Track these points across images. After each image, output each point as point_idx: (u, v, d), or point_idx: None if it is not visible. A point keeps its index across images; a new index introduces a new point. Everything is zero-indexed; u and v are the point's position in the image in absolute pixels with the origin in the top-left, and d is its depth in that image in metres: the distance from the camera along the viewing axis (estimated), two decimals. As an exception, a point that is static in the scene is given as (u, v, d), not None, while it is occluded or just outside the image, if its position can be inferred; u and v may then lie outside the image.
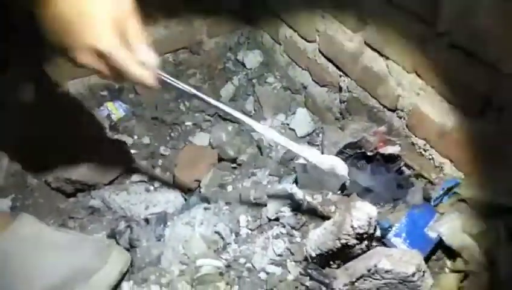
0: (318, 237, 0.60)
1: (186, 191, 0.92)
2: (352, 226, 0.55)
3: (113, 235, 0.73)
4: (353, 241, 0.56)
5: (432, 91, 0.69)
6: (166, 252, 0.64)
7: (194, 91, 0.59)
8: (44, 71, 0.93)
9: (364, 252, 0.58)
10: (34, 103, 0.85)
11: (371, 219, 0.55)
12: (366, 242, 0.58)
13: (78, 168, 0.90)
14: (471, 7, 0.57)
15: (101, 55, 0.47)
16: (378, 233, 0.61)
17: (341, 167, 0.66)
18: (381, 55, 0.78)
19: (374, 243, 0.61)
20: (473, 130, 0.64)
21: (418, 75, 0.71)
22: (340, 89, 0.93)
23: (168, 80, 0.57)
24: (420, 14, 0.66)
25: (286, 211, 0.68)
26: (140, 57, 0.49)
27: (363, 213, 0.55)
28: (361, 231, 0.54)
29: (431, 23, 0.64)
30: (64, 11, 0.45)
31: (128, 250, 0.66)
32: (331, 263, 0.59)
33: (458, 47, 0.61)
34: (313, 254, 0.60)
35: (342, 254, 0.58)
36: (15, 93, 0.84)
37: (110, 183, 0.93)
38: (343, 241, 0.56)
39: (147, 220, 0.71)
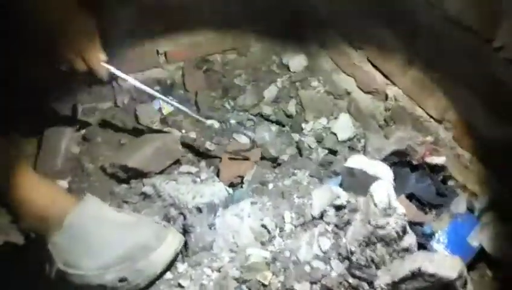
0: (353, 230, 0.64)
1: (229, 185, 0.98)
2: (375, 204, 0.58)
3: (167, 220, 0.78)
4: (382, 221, 0.59)
5: (480, 104, 0.71)
6: (217, 239, 0.69)
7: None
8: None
9: (398, 235, 0.60)
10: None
11: (388, 190, 0.58)
12: (395, 220, 0.60)
13: (132, 156, 0.97)
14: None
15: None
16: (402, 211, 0.62)
17: (387, 173, 0.69)
18: (431, 67, 0.80)
19: (414, 241, 0.64)
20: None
21: (468, 88, 0.73)
22: (386, 97, 0.95)
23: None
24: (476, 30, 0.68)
25: (330, 211, 0.71)
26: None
27: (380, 190, 0.59)
28: (383, 205, 0.58)
29: (488, 39, 0.66)
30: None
31: (182, 234, 0.72)
32: (374, 256, 0.62)
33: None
34: (353, 248, 0.63)
35: (379, 241, 0.61)
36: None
37: (161, 172, 1.00)
38: (373, 222, 0.59)
39: (199, 209, 0.76)
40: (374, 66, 0.97)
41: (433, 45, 0.78)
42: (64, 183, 1.01)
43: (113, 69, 0.87)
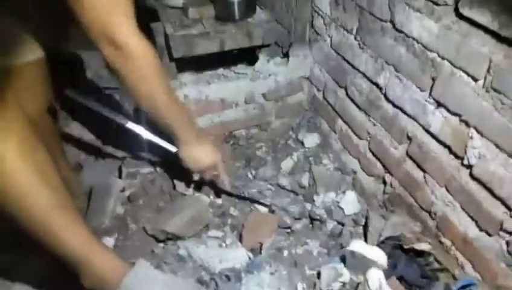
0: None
1: (250, 250, 1.15)
2: (369, 287, 0.75)
3: (200, 283, 0.96)
4: None
5: (458, 206, 0.89)
6: (243, 305, 0.86)
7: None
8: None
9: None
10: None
11: (380, 277, 0.75)
12: None
13: (170, 222, 1.16)
14: None
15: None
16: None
17: (381, 257, 0.86)
18: (420, 167, 0.99)
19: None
20: (488, 244, 0.83)
21: (448, 191, 0.91)
22: (385, 183, 1.14)
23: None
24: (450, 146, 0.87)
25: (335, 286, 0.88)
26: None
27: (374, 277, 0.76)
28: (376, 289, 0.75)
29: (458, 156, 0.85)
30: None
31: (215, 299, 0.89)
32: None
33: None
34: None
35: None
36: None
37: (192, 235, 1.18)
38: None
39: (228, 277, 0.94)
40: (374, 155, 1.17)
41: (422, 148, 0.97)
42: (111, 241, 1.20)
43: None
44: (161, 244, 1.17)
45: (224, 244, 1.16)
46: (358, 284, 0.86)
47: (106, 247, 0.91)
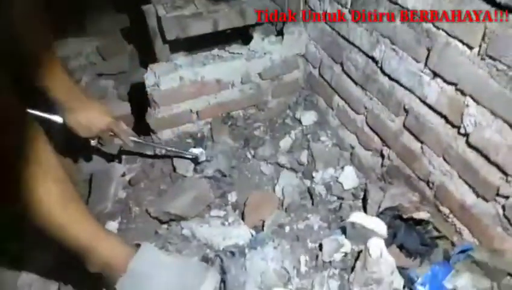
0: (355, 274, 0.83)
1: (253, 227, 1.17)
2: (370, 255, 0.78)
3: (205, 261, 0.98)
4: (375, 268, 0.78)
5: (455, 175, 0.91)
6: (248, 279, 0.88)
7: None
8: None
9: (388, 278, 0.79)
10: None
11: (380, 245, 0.78)
12: (385, 267, 0.79)
13: (173, 203, 1.18)
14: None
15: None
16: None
17: (381, 227, 0.88)
18: (417, 139, 1.00)
19: (402, 284, 0.83)
20: (485, 210, 0.85)
21: (445, 160, 0.93)
22: (383, 156, 1.15)
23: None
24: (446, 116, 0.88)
25: (337, 257, 0.91)
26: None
27: (374, 245, 0.78)
28: (376, 256, 0.77)
29: (455, 125, 0.86)
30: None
31: (220, 274, 0.92)
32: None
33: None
34: (355, 289, 0.82)
35: (374, 283, 0.81)
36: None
37: (195, 216, 1.20)
38: (369, 269, 0.78)
39: (232, 253, 0.96)
40: (372, 129, 1.18)
41: (419, 118, 0.98)
42: (114, 225, 1.21)
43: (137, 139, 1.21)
44: (165, 226, 1.19)
45: (226, 223, 1.18)
46: (359, 253, 0.88)
47: (110, 232, 0.93)
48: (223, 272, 0.92)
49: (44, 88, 0.99)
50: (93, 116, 1.10)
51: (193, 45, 1.58)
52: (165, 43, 1.50)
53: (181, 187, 1.24)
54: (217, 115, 1.44)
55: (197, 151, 1.31)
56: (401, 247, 0.90)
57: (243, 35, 1.64)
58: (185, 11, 1.46)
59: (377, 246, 0.80)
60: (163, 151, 1.36)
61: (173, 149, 1.32)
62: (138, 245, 0.91)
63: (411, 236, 0.91)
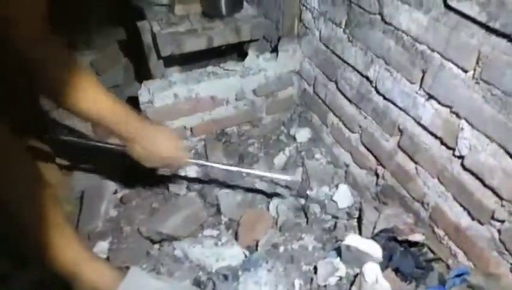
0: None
1: (247, 247, 1.15)
2: (365, 280, 0.76)
3: (197, 284, 0.96)
4: None
5: (450, 197, 0.90)
6: (242, 304, 0.86)
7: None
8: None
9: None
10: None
11: (376, 270, 0.76)
12: None
13: (165, 223, 1.15)
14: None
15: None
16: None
17: (376, 251, 0.87)
18: (412, 159, 1.00)
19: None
20: (480, 233, 0.84)
21: (440, 182, 0.92)
22: (377, 176, 1.15)
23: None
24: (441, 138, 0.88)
25: (332, 280, 0.89)
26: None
27: (370, 270, 0.77)
28: (372, 281, 0.76)
29: (450, 147, 0.86)
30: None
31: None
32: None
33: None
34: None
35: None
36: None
37: (188, 235, 1.18)
38: None
39: (225, 276, 0.94)
40: (366, 148, 1.17)
41: (412, 139, 0.98)
42: (105, 245, 1.18)
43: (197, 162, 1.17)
44: (156, 246, 1.17)
45: (220, 243, 1.16)
46: (354, 277, 0.87)
47: (96, 258, 0.91)
48: (216, 296, 0.90)
49: (90, 118, 0.87)
50: (159, 145, 0.96)
51: (188, 60, 1.58)
52: (159, 59, 1.49)
53: (174, 206, 1.22)
54: (211, 131, 1.43)
55: (294, 177, 1.17)
56: (396, 270, 0.89)
57: (238, 50, 1.64)
58: (179, 28, 1.46)
59: (372, 271, 0.79)
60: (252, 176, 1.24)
61: (267, 175, 1.17)
62: (127, 268, 0.89)
63: (406, 259, 0.90)
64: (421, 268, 0.89)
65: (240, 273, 0.98)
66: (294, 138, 1.48)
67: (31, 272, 1.02)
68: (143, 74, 1.61)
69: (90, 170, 1.39)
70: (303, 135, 1.46)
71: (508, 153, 0.74)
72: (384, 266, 0.89)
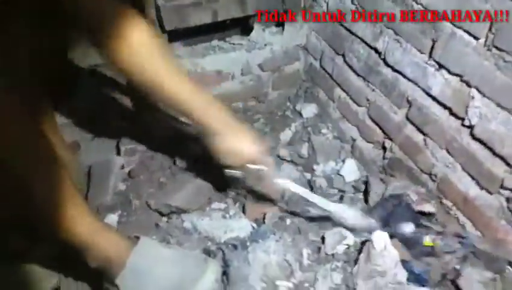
0: (359, 267, 0.83)
1: (254, 220, 1.17)
2: (374, 248, 0.78)
3: (207, 253, 0.98)
4: (379, 261, 0.78)
5: (459, 167, 0.90)
6: (251, 272, 0.87)
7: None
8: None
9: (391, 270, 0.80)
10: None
11: (385, 239, 0.78)
12: (389, 259, 0.80)
13: (174, 196, 1.17)
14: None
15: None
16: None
17: (373, 226, 0.89)
18: (420, 131, 0.99)
19: (405, 276, 0.83)
20: (489, 202, 0.85)
21: (448, 152, 0.92)
22: (385, 149, 1.15)
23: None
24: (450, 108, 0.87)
25: (340, 249, 0.90)
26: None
27: (379, 238, 0.79)
28: (381, 249, 0.78)
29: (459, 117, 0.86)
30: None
31: (223, 267, 0.91)
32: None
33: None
34: (359, 282, 0.82)
35: (378, 275, 0.80)
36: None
37: (196, 208, 1.19)
38: (373, 261, 0.79)
39: (235, 246, 0.95)
40: (374, 121, 1.17)
41: (421, 111, 0.97)
42: (114, 217, 1.20)
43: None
44: (165, 218, 1.18)
45: (228, 216, 1.17)
46: (362, 246, 0.88)
47: (109, 227, 0.93)
48: (226, 265, 0.91)
49: (169, 101, 0.85)
50: (244, 144, 0.94)
51: (192, 34, 1.55)
52: (163, 33, 1.47)
53: (181, 180, 1.23)
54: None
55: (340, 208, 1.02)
56: (404, 240, 0.90)
57: (242, 26, 1.62)
58: (184, 1, 1.44)
59: (381, 238, 0.80)
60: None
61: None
62: (137, 238, 0.91)
63: (411, 229, 0.91)
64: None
65: (248, 243, 1.00)
66: (300, 114, 1.47)
67: (47, 247, 1.04)
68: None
69: (96, 146, 1.40)
70: (309, 110, 1.46)
71: (519, 120, 0.74)
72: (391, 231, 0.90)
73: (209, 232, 1.11)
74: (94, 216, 0.84)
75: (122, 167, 1.34)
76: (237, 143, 0.93)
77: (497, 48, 0.74)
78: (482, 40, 0.77)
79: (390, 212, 0.97)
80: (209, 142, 0.93)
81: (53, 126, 1.20)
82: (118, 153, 1.38)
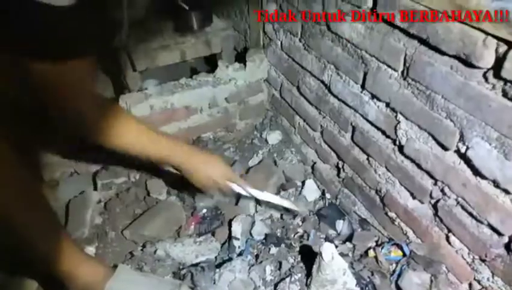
0: (312, 277, 0.92)
1: (223, 243, 1.24)
2: (323, 258, 0.88)
3: (178, 277, 1.05)
4: (328, 270, 0.88)
5: (397, 182, 1.02)
6: (218, 290, 0.96)
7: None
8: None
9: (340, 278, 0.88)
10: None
11: (332, 250, 0.87)
12: (336, 268, 0.89)
13: (147, 226, 1.24)
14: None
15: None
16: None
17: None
18: (364, 152, 1.11)
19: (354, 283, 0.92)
20: (424, 212, 0.96)
21: (387, 169, 1.04)
22: (339, 170, 1.26)
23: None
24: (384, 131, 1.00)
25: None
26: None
27: (326, 250, 0.88)
28: (329, 259, 0.88)
29: (393, 140, 0.98)
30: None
31: (192, 289, 0.99)
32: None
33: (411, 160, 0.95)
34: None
35: (328, 283, 0.89)
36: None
37: (169, 236, 1.26)
38: (322, 271, 0.88)
39: (202, 268, 1.03)
40: (328, 145, 1.29)
41: (364, 134, 1.09)
42: (92, 249, 1.26)
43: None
44: (140, 247, 1.25)
45: (198, 241, 1.25)
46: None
47: (88, 256, 1.00)
48: (194, 285, 0.99)
49: (134, 152, 0.97)
50: (213, 171, 1.08)
51: (163, 72, 1.68)
52: (134, 71, 1.59)
53: (155, 210, 1.31)
54: (187, 138, 1.53)
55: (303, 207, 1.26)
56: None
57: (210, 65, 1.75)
58: (153, 44, 1.57)
59: (328, 250, 0.89)
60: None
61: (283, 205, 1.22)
62: (115, 266, 0.98)
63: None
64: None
65: (215, 264, 1.08)
66: (266, 141, 1.58)
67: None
68: (120, 87, 1.69)
69: (74, 182, 1.47)
70: (274, 137, 1.57)
71: (435, 139, 0.86)
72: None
73: (181, 258, 1.18)
74: (76, 246, 0.92)
75: (99, 201, 1.41)
76: (209, 173, 1.07)
77: (411, 78, 0.87)
78: (400, 72, 0.90)
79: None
80: (185, 175, 1.07)
81: (34, 164, 1.27)
82: (95, 187, 1.46)
